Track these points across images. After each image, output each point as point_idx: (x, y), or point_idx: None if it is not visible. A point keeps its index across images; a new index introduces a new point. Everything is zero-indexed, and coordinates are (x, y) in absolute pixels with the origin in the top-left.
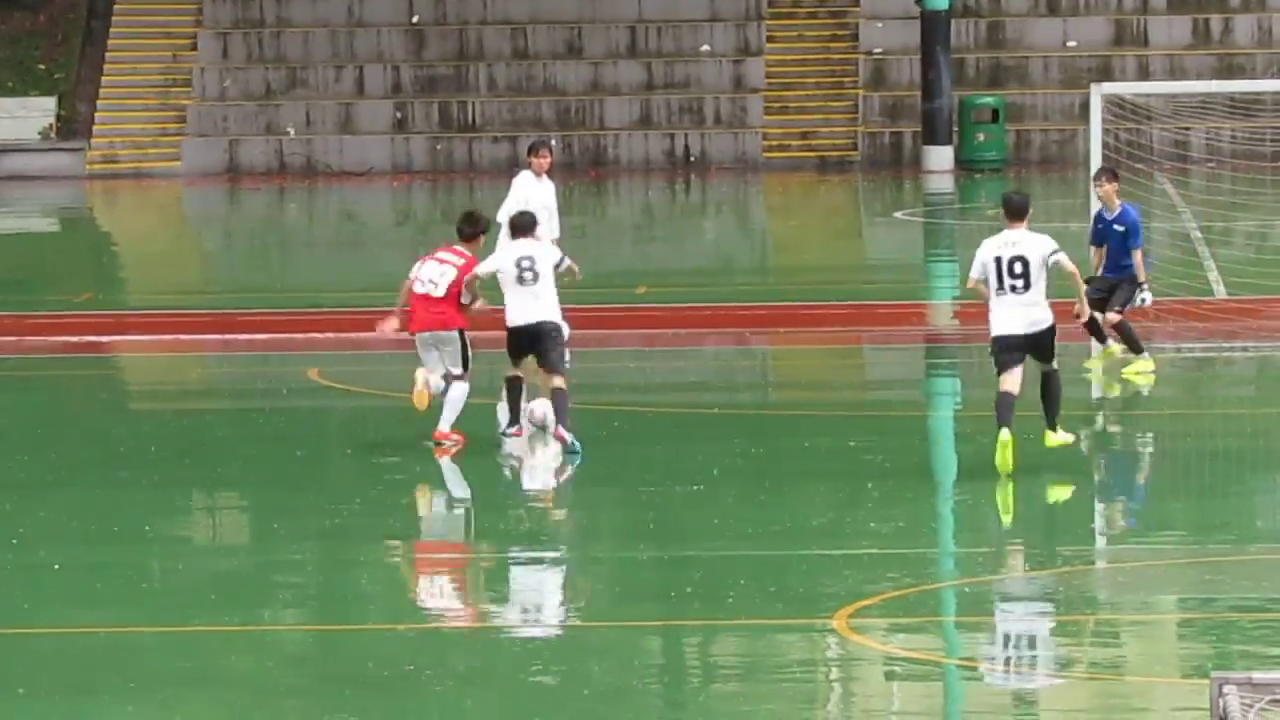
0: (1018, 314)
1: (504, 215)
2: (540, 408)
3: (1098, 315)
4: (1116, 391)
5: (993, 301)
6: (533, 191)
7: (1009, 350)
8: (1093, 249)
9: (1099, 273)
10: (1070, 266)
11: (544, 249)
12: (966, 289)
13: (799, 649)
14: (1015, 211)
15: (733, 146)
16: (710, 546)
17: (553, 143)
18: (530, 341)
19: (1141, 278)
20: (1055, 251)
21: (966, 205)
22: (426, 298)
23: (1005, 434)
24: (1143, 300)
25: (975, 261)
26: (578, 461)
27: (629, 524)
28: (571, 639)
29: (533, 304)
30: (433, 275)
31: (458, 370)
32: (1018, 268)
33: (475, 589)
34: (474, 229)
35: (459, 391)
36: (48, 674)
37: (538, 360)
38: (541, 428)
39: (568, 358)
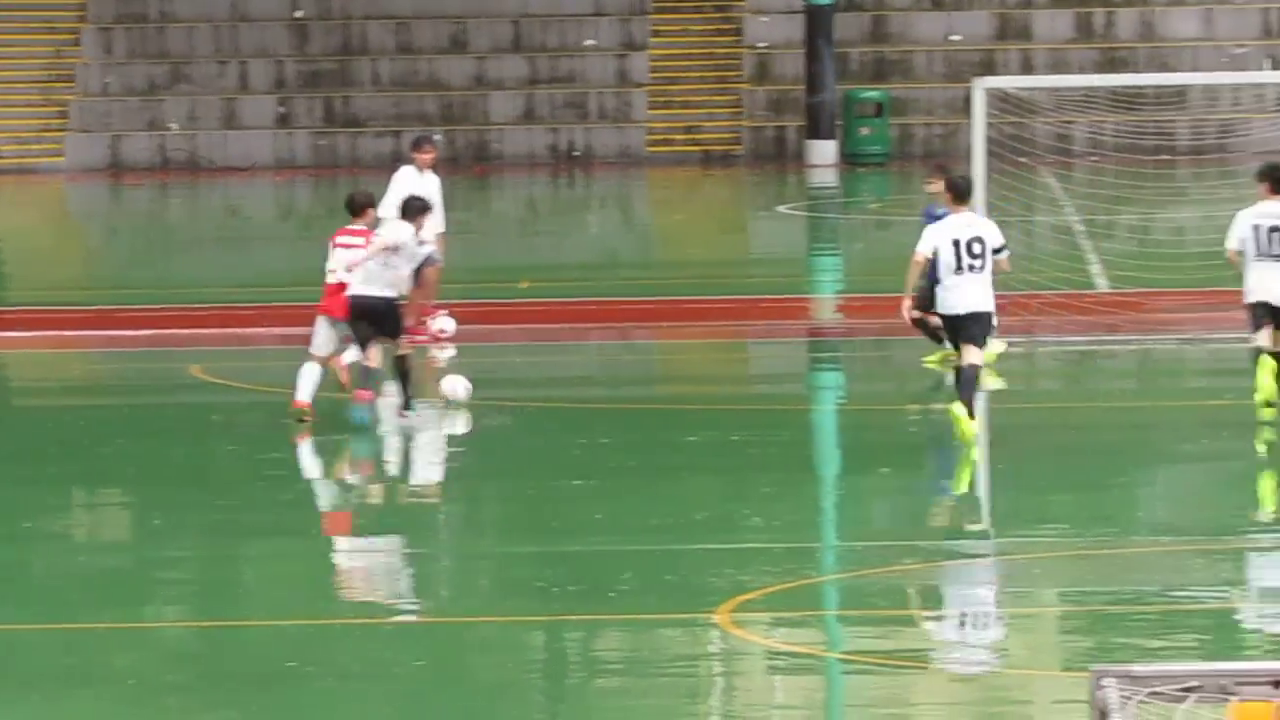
0: (976, 290)
1: (384, 210)
2: (449, 384)
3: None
4: (998, 385)
5: (950, 280)
6: (415, 186)
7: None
8: None
9: None
10: (1006, 266)
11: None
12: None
13: (681, 644)
14: (963, 195)
15: (617, 141)
16: (593, 541)
17: (437, 138)
18: (367, 317)
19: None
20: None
21: (850, 199)
22: (342, 285)
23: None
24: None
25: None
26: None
27: (512, 518)
28: (454, 634)
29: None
30: (342, 262)
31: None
32: (976, 248)
33: (358, 584)
34: (359, 204)
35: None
36: None
37: (378, 334)
38: (454, 401)
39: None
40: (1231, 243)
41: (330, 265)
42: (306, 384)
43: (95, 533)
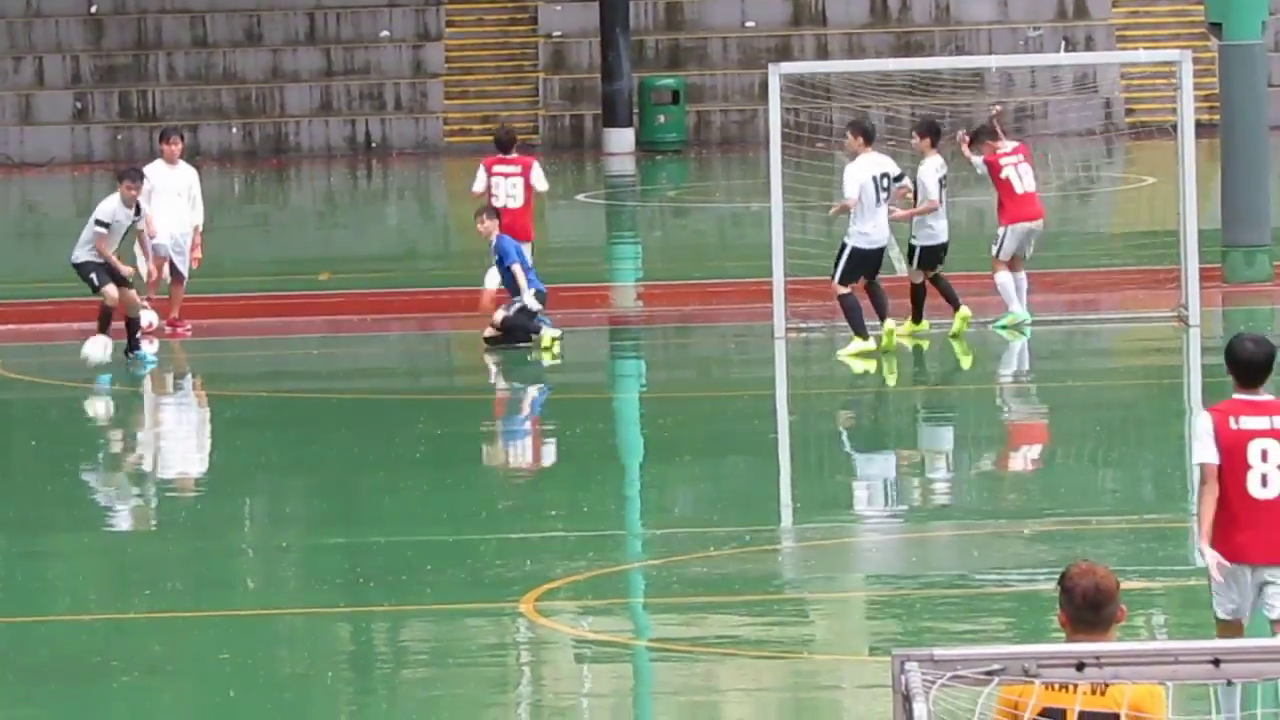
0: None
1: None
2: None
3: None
4: (805, 371)
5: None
6: (164, 179)
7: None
8: None
9: None
10: None
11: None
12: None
13: (488, 633)
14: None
15: (414, 132)
16: (397, 532)
17: (184, 131)
18: None
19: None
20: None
21: (648, 187)
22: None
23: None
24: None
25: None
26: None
27: (315, 510)
28: (259, 626)
29: None
30: (504, 189)
31: None
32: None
33: (162, 578)
34: (511, 138)
35: None
36: None
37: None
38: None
39: None
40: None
41: (494, 192)
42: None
43: None
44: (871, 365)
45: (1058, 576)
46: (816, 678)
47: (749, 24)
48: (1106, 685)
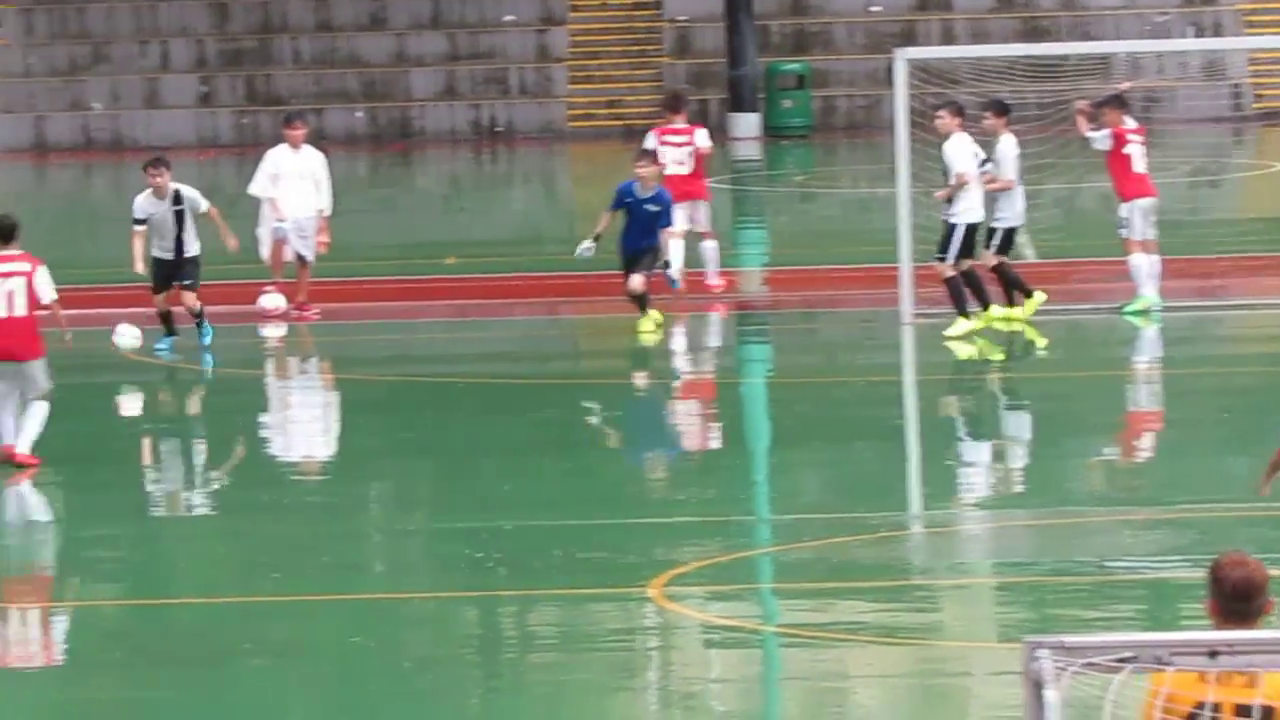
0: None
1: (255, 188)
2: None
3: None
4: (931, 357)
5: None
6: (289, 163)
7: None
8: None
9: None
10: None
11: None
12: None
13: (614, 618)
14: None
15: (538, 116)
16: (525, 516)
17: (308, 116)
18: None
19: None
20: None
21: (774, 172)
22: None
23: None
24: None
25: None
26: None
27: (443, 494)
28: (388, 610)
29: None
30: (673, 157)
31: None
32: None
33: (290, 561)
34: (682, 102)
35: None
36: None
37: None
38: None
39: None
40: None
41: (663, 160)
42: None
43: (23, 513)
44: (996, 350)
45: (1209, 565)
46: (945, 664)
47: (874, 9)
48: (1258, 676)
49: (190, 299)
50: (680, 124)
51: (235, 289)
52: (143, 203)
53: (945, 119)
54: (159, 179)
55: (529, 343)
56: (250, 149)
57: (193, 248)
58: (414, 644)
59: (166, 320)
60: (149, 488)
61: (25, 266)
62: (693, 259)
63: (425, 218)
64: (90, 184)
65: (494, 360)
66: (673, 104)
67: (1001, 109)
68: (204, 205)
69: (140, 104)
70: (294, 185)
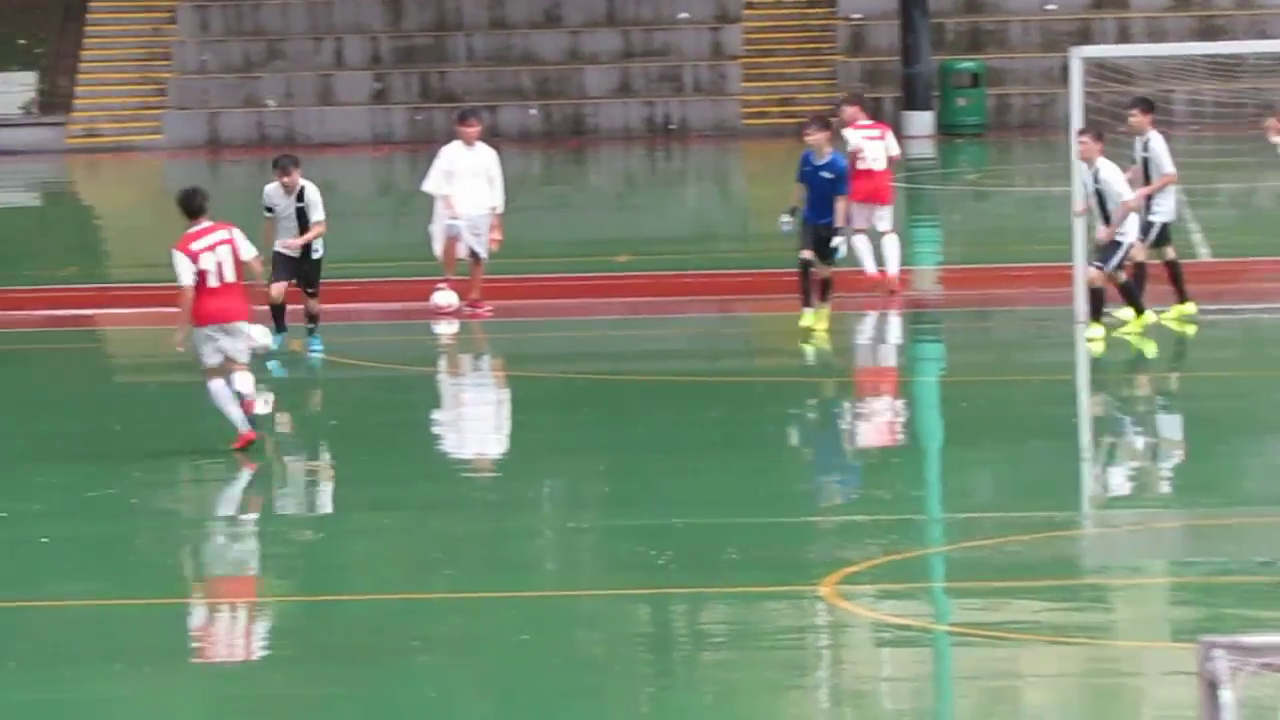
0: None
1: (429, 185)
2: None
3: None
4: (1102, 354)
5: None
6: (463, 160)
7: None
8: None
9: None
10: None
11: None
12: None
13: (786, 616)
14: None
15: (712, 113)
16: (696, 514)
17: (481, 113)
18: None
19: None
20: None
21: (947, 170)
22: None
23: None
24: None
25: None
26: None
27: (614, 492)
28: (559, 607)
29: None
30: (872, 152)
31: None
32: None
33: (462, 557)
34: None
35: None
36: (37, 646)
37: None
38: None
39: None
40: None
41: (864, 155)
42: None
43: (196, 507)
44: (1168, 348)
45: None
46: (1117, 664)
47: (1049, 7)
48: None
49: (313, 305)
50: (865, 120)
51: (408, 286)
52: (271, 192)
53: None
54: (288, 179)
55: (702, 340)
56: (423, 146)
57: (318, 249)
58: (585, 642)
59: (279, 315)
60: (320, 484)
61: (225, 235)
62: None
63: (598, 215)
64: (263, 180)
65: (666, 358)
66: (857, 101)
67: (1148, 106)
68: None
69: (314, 101)
70: (468, 182)
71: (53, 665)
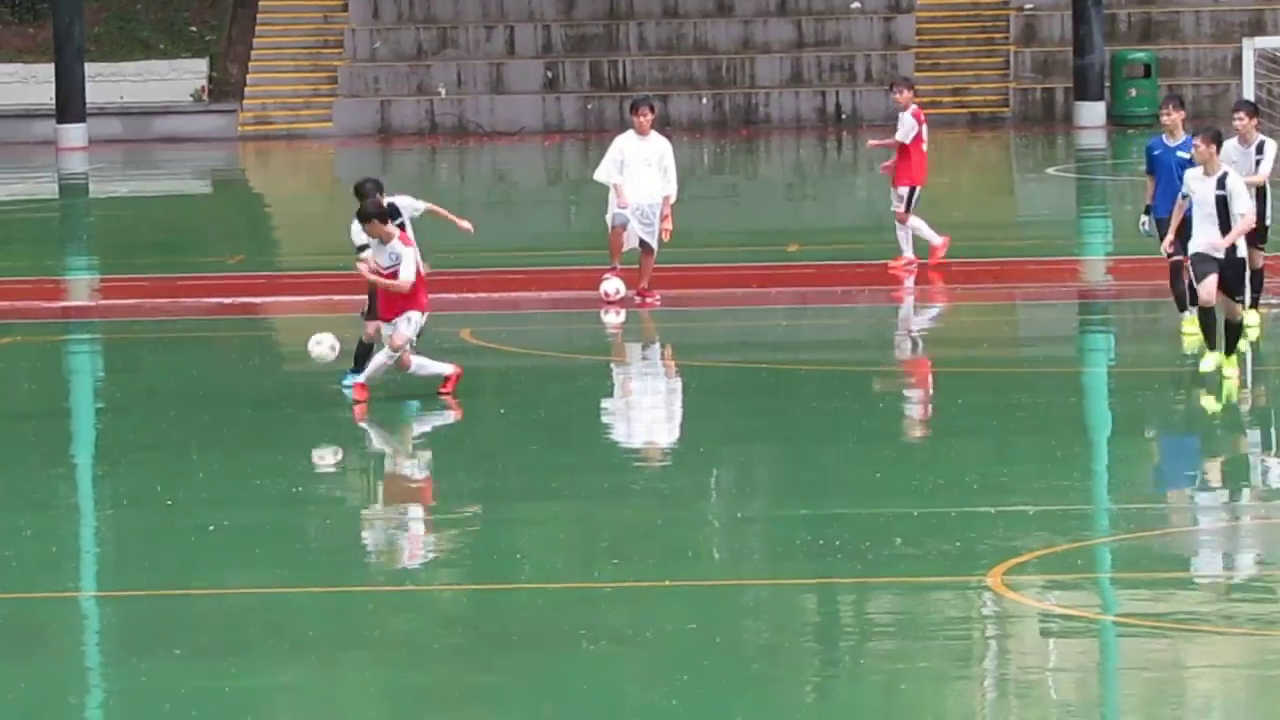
0: None
1: (600, 174)
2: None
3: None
4: (1275, 346)
5: None
6: (635, 149)
7: None
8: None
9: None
10: None
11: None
12: None
13: (953, 606)
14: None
15: (884, 104)
16: (864, 504)
17: (654, 102)
18: None
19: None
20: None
21: (1119, 161)
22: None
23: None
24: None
25: None
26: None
27: (781, 482)
28: (726, 597)
29: None
30: None
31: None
32: None
33: (629, 546)
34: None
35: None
36: (203, 635)
37: None
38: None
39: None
40: None
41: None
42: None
43: (366, 496)
44: None
45: None
46: None
47: None
48: None
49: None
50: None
51: (577, 275)
52: (358, 233)
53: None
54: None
55: (870, 330)
56: (594, 135)
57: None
58: (752, 631)
59: (365, 353)
60: (487, 473)
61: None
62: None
63: (768, 205)
64: (435, 169)
65: (835, 348)
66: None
67: (1254, 109)
68: (422, 206)
69: (485, 89)
70: (640, 172)
71: (218, 654)
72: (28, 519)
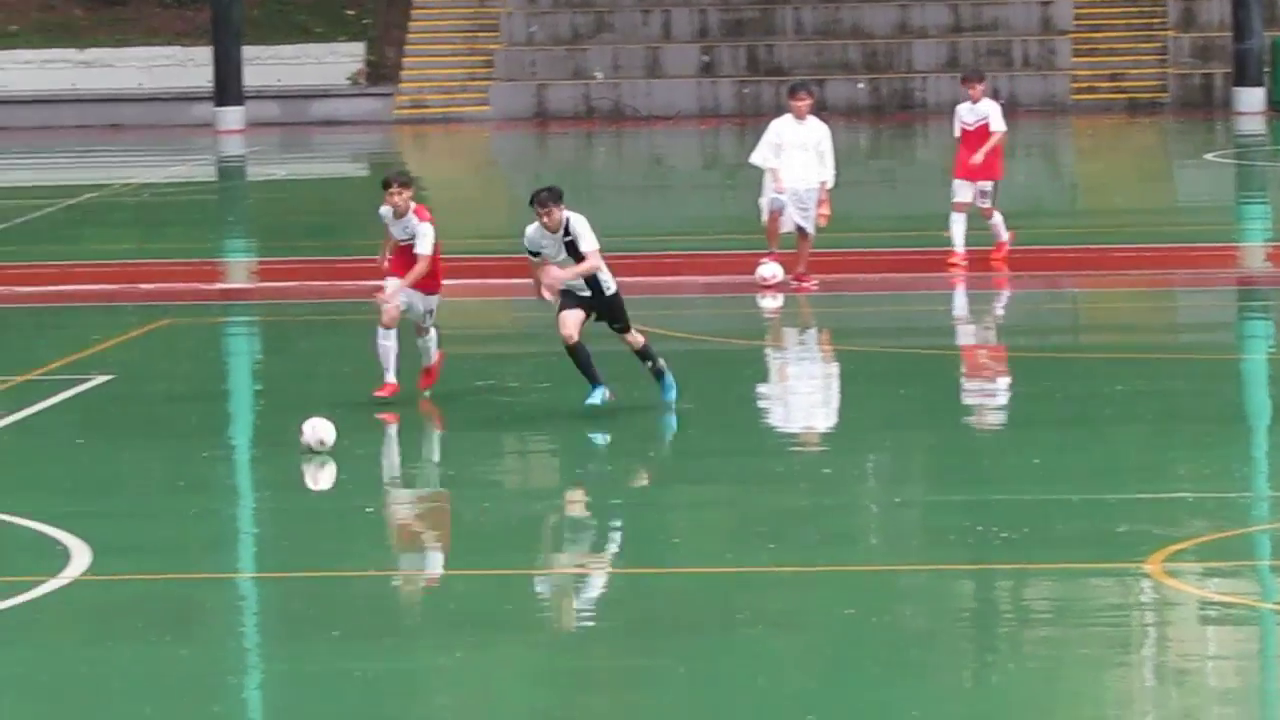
0: None
1: (756, 158)
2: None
3: None
4: None
5: None
6: (792, 134)
7: None
8: None
9: None
10: None
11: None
12: None
13: (1111, 593)
14: None
15: (1041, 89)
16: (1021, 490)
17: (812, 87)
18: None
19: None
20: None
21: (1278, 146)
22: None
23: None
24: None
25: None
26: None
27: (940, 466)
28: (882, 582)
29: None
30: None
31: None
32: None
33: (786, 531)
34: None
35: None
36: (361, 616)
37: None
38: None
39: None
40: None
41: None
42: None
43: (524, 479)
44: None
45: None
46: None
47: None
48: None
49: (635, 339)
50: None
51: (733, 259)
52: (533, 234)
53: None
54: (547, 218)
55: (1026, 316)
56: (750, 119)
57: (608, 282)
58: (908, 616)
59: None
60: (645, 457)
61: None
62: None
63: (925, 190)
64: (590, 152)
65: (991, 333)
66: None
67: None
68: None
69: (641, 73)
70: (796, 156)
71: (376, 636)
72: (187, 501)
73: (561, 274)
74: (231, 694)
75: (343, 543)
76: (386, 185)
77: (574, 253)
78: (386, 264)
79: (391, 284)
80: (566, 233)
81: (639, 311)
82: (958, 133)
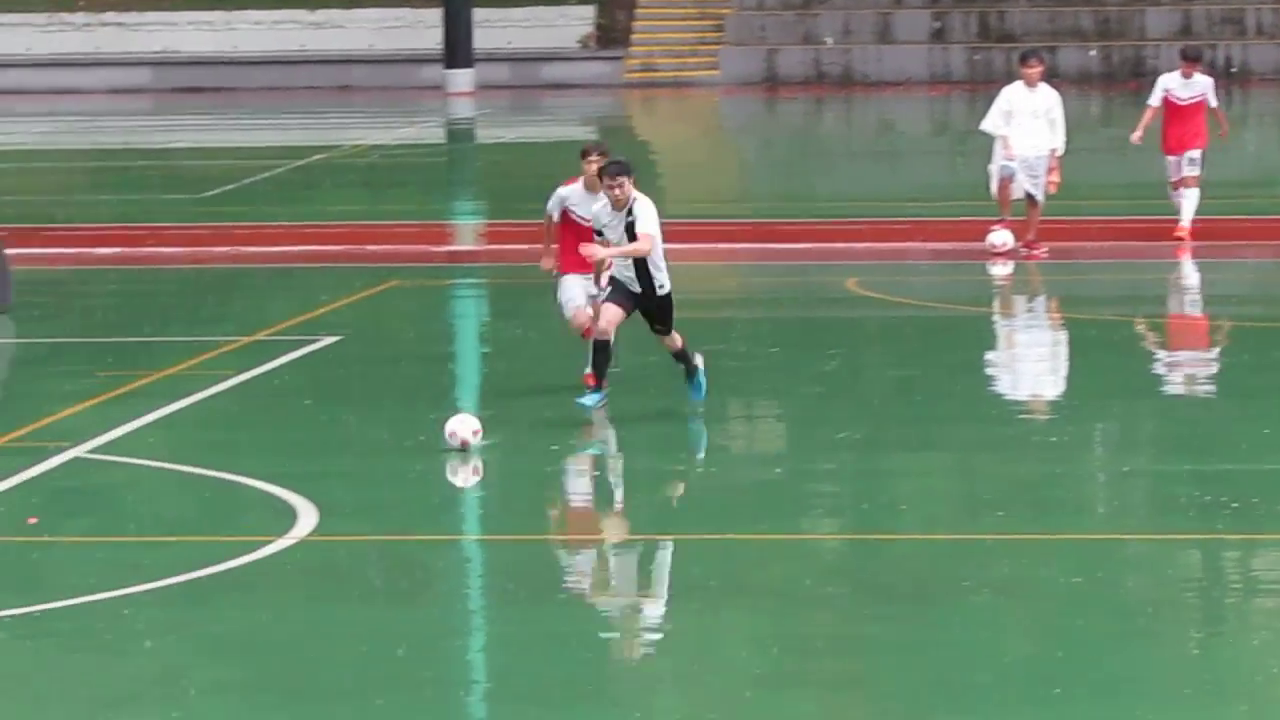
0: None
1: (987, 125)
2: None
3: None
4: None
5: None
6: (1023, 101)
7: None
8: None
9: None
10: None
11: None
12: None
13: None
14: None
15: (1274, 57)
16: (1252, 459)
17: (1092, 53)
18: None
19: None
20: None
21: None
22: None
23: None
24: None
25: None
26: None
27: (1168, 435)
28: (1108, 551)
29: None
30: None
31: None
32: None
33: (1012, 499)
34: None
35: None
36: (580, 580)
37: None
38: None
39: None
40: None
41: None
42: None
43: (750, 444)
44: None
45: None
46: None
47: None
48: None
49: (673, 340)
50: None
51: (964, 225)
52: (597, 210)
53: None
54: (618, 190)
55: (1258, 286)
56: (981, 86)
57: (663, 282)
58: (1134, 586)
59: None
60: (870, 423)
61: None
62: None
63: (1156, 158)
64: (820, 118)
65: (1221, 302)
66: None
67: None
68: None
69: (872, 39)
70: (1027, 124)
71: (596, 599)
72: (414, 462)
73: (606, 251)
74: (455, 656)
75: (568, 508)
76: (601, 169)
77: (633, 235)
78: (556, 265)
79: (577, 286)
80: (629, 212)
81: (870, 277)
82: (1157, 101)
